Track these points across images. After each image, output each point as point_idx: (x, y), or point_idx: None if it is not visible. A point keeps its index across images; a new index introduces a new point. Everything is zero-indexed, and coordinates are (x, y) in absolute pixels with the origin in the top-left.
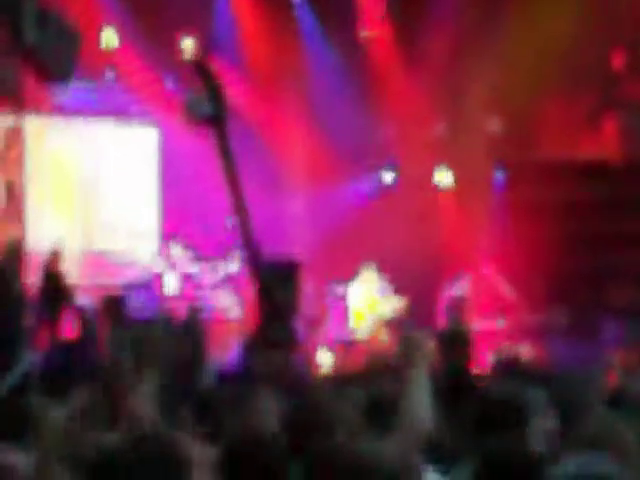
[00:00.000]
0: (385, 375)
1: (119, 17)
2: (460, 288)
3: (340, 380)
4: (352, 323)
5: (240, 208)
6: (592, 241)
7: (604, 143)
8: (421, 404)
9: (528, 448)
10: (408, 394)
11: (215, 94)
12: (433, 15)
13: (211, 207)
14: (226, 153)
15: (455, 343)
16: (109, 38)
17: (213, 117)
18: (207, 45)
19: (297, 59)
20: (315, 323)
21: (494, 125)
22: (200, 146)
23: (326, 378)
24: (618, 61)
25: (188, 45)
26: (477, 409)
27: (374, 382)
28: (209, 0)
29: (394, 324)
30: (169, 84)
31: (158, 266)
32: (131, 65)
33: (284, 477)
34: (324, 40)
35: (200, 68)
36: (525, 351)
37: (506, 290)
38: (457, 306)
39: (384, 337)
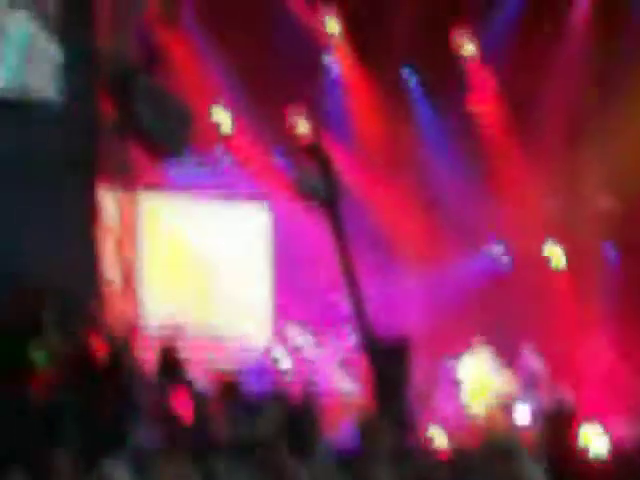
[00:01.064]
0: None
1: (229, 93)
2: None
3: (460, 458)
4: (466, 400)
5: (353, 287)
6: None
7: None
8: None
9: None
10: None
11: (329, 176)
12: (547, 89)
13: (324, 286)
14: (339, 233)
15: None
16: (220, 114)
17: (327, 198)
18: (317, 122)
19: (409, 136)
20: (426, 399)
21: (608, 203)
22: (312, 224)
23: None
24: None
25: (302, 125)
26: None
27: (493, 463)
28: (318, 74)
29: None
30: (279, 159)
31: (272, 346)
32: (241, 141)
33: None
34: (435, 113)
35: (315, 152)
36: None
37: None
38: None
39: (500, 415)
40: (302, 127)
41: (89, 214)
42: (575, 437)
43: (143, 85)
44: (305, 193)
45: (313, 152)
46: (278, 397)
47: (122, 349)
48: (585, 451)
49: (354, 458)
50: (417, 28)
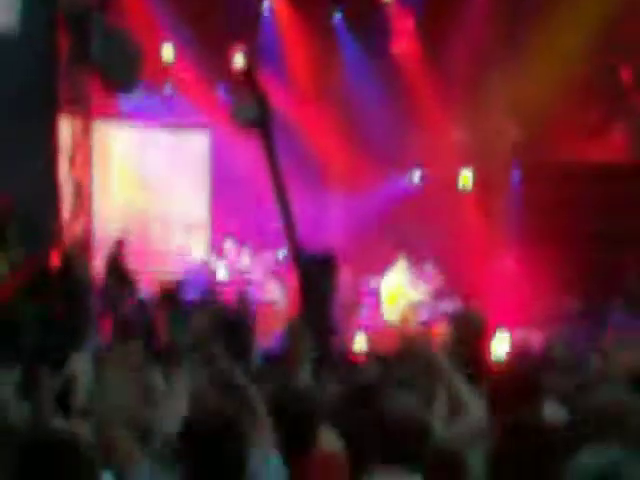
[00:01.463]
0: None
1: (176, 33)
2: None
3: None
4: (384, 308)
5: (284, 204)
6: (600, 236)
7: (612, 147)
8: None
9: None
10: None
11: (261, 101)
12: (457, 29)
13: (258, 203)
14: (271, 153)
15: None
16: (168, 53)
17: (259, 121)
18: (254, 57)
19: (336, 70)
20: (351, 311)
21: (514, 130)
22: (248, 149)
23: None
24: (626, 75)
25: (239, 58)
26: None
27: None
28: (256, 15)
29: (421, 308)
30: (221, 93)
31: (211, 258)
32: (187, 77)
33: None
34: (361, 53)
35: (248, 78)
36: (536, 338)
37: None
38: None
39: (413, 321)
40: (240, 62)
41: (48, 140)
42: (481, 340)
43: (98, 22)
44: (241, 119)
45: (247, 77)
46: (212, 303)
47: (73, 259)
48: (488, 353)
49: (280, 359)
50: None
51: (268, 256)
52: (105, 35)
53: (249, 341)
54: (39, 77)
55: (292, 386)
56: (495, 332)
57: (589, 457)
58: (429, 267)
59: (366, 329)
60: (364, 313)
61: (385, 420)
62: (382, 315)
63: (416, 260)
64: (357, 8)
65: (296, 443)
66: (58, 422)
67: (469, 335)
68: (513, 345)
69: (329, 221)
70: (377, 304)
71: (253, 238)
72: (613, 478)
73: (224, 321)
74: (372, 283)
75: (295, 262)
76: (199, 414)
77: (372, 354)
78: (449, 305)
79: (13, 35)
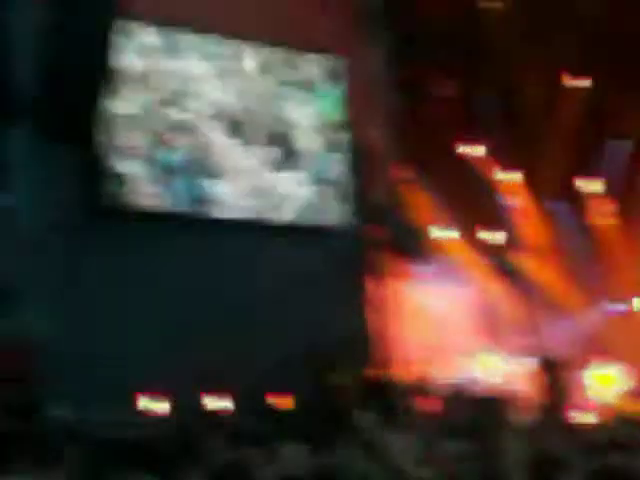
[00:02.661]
0: None
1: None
2: None
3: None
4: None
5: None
6: None
7: None
8: None
9: None
10: None
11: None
12: None
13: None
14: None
15: None
16: (438, 231)
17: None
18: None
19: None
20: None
21: None
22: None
23: None
24: None
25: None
26: None
27: None
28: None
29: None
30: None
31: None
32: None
33: None
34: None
35: None
36: None
37: None
38: None
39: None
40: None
41: (362, 297)
42: None
43: (394, 219)
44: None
45: None
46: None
47: (386, 379)
48: None
49: None
50: None
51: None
52: (399, 224)
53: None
54: (355, 254)
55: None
56: None
57: None
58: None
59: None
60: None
61: None
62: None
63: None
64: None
65: None
66: None
67: None
68: None
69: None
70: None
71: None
72: None
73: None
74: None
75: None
76: None
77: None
78: None
79: (339, 226)
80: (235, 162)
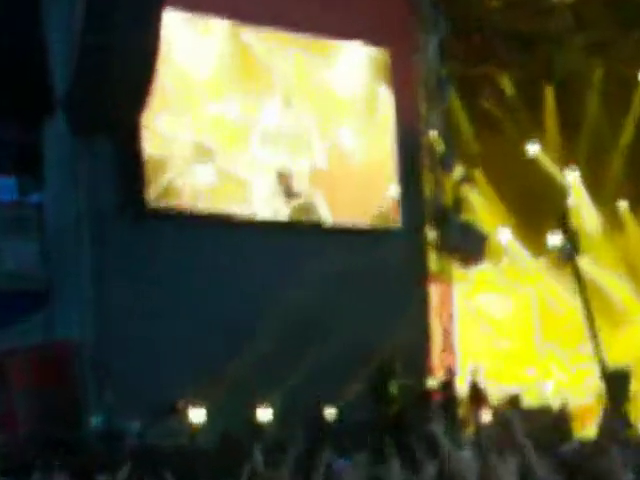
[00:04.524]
0: None
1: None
2: None
3: None
4: None
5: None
6: None
7: None
8: None
9: None
10: None
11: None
12: None
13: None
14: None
15: None
16: (503, 234)
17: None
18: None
19: None
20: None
21: None
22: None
23: None
24: None
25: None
26: None
27: None
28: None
29: None
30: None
31: None
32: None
33: None
34: None
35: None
36: None
37: None
38: None
39: None
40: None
41: (422, 301)
42: None
43: (454, 221)
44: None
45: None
46: None
47: (445, 388)
48: None
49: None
50: None
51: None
52: (460, 226)
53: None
54: (414, 257)
55: None
56: None
57: None
58: None
59: None
60: None
61: None
62: None
63: None
64: None
65: None
66: None
67: None
68: None
69: None
70: None
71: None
72: None
73: None
74: None
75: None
76: None
77: None
78: None
79: (397, 229)
80: (282, 161)
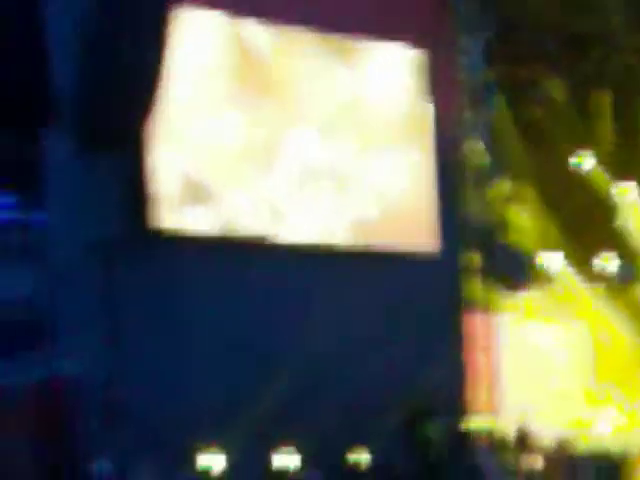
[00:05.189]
0: None
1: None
2: None
3: None
4: None
5: None
6: None
7: None
8: None
9: None
10: None
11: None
12: None
13: None
14: None
15: None
16: (546, 258)
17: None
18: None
19: None
20: None
21: None
22: None
23: None
24: None
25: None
26: None
27: None
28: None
29: None
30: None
31: None
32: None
33: None
34: None
35: None
36: None
37: None
38: None
39: None
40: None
41: (463, 332)
42: None
43: (500, 243)
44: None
45: None
46: None
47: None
48: None
49: None
50: None
51: None
52: (505, 249)
53: None
54: (455, 284)
55: None
56: None
57: None
58: None
59: None
60: None
61: None
62: None
63: None
64: None
65: None
66: None
67: None
68: None
69: None
70: None
71: None
72: None
73: None
74: None
75: None
76: None
77: None
78: None
79: (436, 253)
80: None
